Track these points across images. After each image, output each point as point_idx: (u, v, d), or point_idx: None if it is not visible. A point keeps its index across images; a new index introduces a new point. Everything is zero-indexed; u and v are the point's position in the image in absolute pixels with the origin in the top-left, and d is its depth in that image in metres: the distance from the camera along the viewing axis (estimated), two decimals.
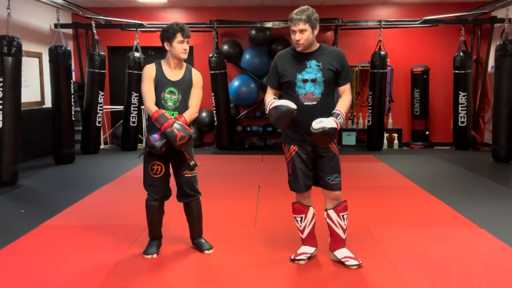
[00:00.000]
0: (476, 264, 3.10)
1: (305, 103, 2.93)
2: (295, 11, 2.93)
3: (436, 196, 4.82)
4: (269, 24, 8.13)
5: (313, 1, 8.36)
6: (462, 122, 7.97)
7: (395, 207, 4.52)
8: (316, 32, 2.95)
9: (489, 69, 8.09)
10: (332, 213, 3.08)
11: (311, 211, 3.12)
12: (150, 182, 3.19)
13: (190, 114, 3.14)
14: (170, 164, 3.22)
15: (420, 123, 8.55)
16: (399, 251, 3.33)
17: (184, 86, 3.15)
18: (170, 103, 3.10)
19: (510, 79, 6.67)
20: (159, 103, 3.09)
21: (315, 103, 2.93)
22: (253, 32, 8.35)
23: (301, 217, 3.12)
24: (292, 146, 3.01)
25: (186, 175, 3.20)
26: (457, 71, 7.92)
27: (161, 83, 3.10)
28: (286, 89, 3.01)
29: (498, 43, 6.89)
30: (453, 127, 8.19)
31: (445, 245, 3.46)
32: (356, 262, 3.06)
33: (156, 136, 2.97)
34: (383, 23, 7.86)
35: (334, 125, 2.78)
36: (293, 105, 2.85)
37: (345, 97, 2.99)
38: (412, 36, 8.64)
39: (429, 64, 8.42)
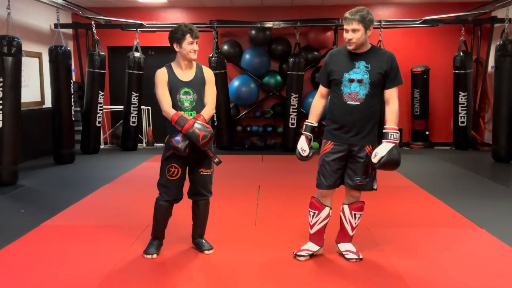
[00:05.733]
0: (476, 264, 3.10)
1: (348, 102, 2.95)
2: (350, 10, 2.91)
3: (436, 196, 4.82)
4: (269, 24, 8.13)
5: (313, 1, 8.39)
6: (462, 122, 7.97)
7: (395, 207, 4.52)
8: (369, 33, 2.93)
9: (489, 69, 8.09)
10: (346, 208, 3.15)
11: (326, 211, 3.12)
12: (164, 183, 3.18)
13: (208, 111, 3.15)
14: (187, 166, 3.20)
15: (420, 123, 8.54)
16: (399, 251, 3.33)
17: (198, 85, 3.16)
18: (186, 104, 3.11)
19: (510, 79, 6.68)
20: (175, 105, 3.08)
21: (358, 103, 2.93)
22: (253, 32, 8.35)
23: (314, 213, 3.14)
24: (330, 142, 3.04)
25: (202, 173, 3.22)
26: (457, 71, 7.92)
27: (175, 85, 3.10)
28: (333, 86, 3.04)
29: (498, 43, 6.89)
30: (453, 127, 8.19)
31: (445, 245, 3.46)
32: (355, 256, 3.13)
33: (178, 138, 2.97)
34: (383, 23, 7.88)
35: (389, 149, 2.85)
36: (302, 151, 3.07)
37: (392, 106, 2.96)
38: (412, 36, 8.64)
39: (429, 64, 8.41)
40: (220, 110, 8.06)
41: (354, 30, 2.87)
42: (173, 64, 3.18)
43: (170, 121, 3.04)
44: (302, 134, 3.14)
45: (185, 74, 3.14)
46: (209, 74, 3.23)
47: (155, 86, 3.13)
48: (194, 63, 3.22)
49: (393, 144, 2.88)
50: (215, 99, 3.25)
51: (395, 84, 2.97)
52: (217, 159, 3.13)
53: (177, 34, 3.07)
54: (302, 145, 3.09)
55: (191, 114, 3.08)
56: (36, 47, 7.41)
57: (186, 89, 3.11)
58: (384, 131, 2.93)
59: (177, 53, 3.14)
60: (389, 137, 2.89)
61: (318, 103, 3.14)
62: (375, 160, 2.89)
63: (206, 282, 2.95)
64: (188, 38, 3.06)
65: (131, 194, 5.03)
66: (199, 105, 3.14)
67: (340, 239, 3.23)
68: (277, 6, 8.59)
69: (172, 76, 3.11)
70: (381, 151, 2.87)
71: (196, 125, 2.96)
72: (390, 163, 2.87)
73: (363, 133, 2.97)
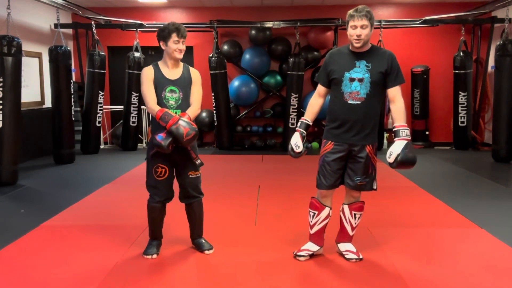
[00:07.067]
0: (476, 264, 3.10)
1: (349, 102, 2.94)
2: (355, 8, 2.90)
3: (436, 196, 4.82)
4: (269, 24, 8.13)
5: (313, 1, 8.38)
6: (462, 122, 7.97)
7: (395, 207, 4.52)
8: (372, 31, 2.93)
9: (489, 69, 8.09)
10: (346, 208, 3.15)
11: (326, 211, 3.12)
12: (153, 184, 3.18)
13: (193, 110, 3.14)
14: (174, 166, 3.20)
15: (420, 123, 8.55)
16: (399, 251, 3.33)
17: (184, 84, 3.15)
18: (172, 102, 3.10)
19: (510, 79, 6.68)
20: (161, 102, 3.08)
21: (359, 102, 2.93)
22: (253, 32, 8.35)
23: (314, 213, 3.13)
24: (330, 142, 3.03)
25: (191, 175, 3.19)
26: (457, 71, 7.92)
27: (160, 83, 3.10)
28: (333, 86, 3.03)
29: (498, 43, 6.89)
30: (453, 127, 8.19)
31: (445, 245, 3.46)
32: (355, 257, 3.13)
33: (161, 135, 2.95)
34: (383, 23, 7.87)
35: (403, 146, 2.81)
36: (296, 147, 3.04)
37: (397, 104, 2.95)
38: (412, 36, 8.64)
39: (429, 64, 8.42)
40: (220, 110, 8.07)
41: (363, 26, 2.86)
42: (160, 63, 3.18)
43: (154, 118, 3.03)
44: (296, 130, 3.12)
45: (172, 73, 3.14)
46: (195, 75, 3.23)
47: (141, 84, 3.13)
48: (181, 63, 3.21)
49: (406, 141, 2.84)
50: (201, 100, 3.24)
51: (398, 83, 2.96)
52: (199, 161, 3.11)
53: (164, 32, 3.08)
54: (296, 141, 3.06)
55: (176, 113, 3.07)
56: (36, 47, 7.41)
57: (172, 87, 3.11)
58: (394, 129, 2.90)
59: (163, 52, 3.14)
60: (401, 134, 2.86)
61: (315, 102, 3.12)
62: (391, 159, 2.83)
63: (206, 282, 2.95)
64: (174, 37, 3.05)
65: (131, 194, 5.03)
66: (184, 104, 3.13)
67: (340, 239, 3.23)
68: (277, 6, 8.59)
69: (158, 74, 3.11)
70: (395, 150, 2.82)
71: (180, 121, 2.94)
72: (406, 161, 2.81)
73: (364, 133, 2.96)
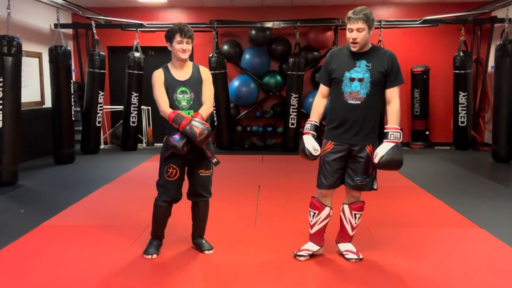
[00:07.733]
0: (476, 264, 3.10)
1: (349, 101, 2.94)
2: (353, 10, 2.91)
3: (436, 196, 4.82)
4: (269, 24, 8.13)
5: (313, 1, 8.39)
6: (462, 122, 7.97)
7: (395, 207, 4.52)
8: (371, 33, 2.92)
9: (489, 69, 8.09)
10: (346, 208, 3.15)
11: (326, 211, 3.12)
12: (163, 184, 3.19)
13: (206, 109, 3.14)
14: (186, 166, 3.20)
15: (420, 123, 8.54)
16: (399, 251, 3.33)
17: (194, 84, 3.16)
18: (184, 103, 3.11)
19: (510, 79, 6.68)
20: (173, 104, 3.08)
21: (359, 102, 2.93)
22: (253, 32, 8.35)
23: (315, 213, 3.13)
24: (330, 141, 3.03)
25: (201, 174, 3.21)
26: (457, 71, 7.93)
27: (171, 85, 3.10)
28: (333, 85, 3.03)
29: (498, 43, 6.90)
30: (453, 127, 8.19)
31: (445, 245, 3.46)
32: (355, 257, 3.13)
33: (176, 136, 2.96)
34: (383, 23, 7.87)
35: (389, 148, 2.85)
36: (314, 150, 2.99)
37: (393, 106, 2.96)
38: (412, 36, 8.64)
39: (429, 64, 8.41)
40: (220, 110, 8.07)
41: (359, 29, 2.86)
42: (169, 65, 3.19)
43: (167, 121, 3.04)
44: (306, 133, 3.08)
45: (181, 74, 3.15)
46: (206, 73, 3.23)
47: (152, 87, 3.14)
48: (191, 63, 3.22)
49: (393, 144, 2.87)
50: (213, 98, 3.25)
51: (396, 84, 2.96)
52: (215, 160, 3.13)
53: (168, 33, 3.11)
54: (313, 144, 3.03)
55: (188, 113, 3.08)
56: (36, 47, 7.41)
57: (183, 88, 3.11)
58: (385, 130, 2.93)
59: (171, 53, 3.15)
60: (389, 136, 2.90)
61: (319, 102, 3.13)
62: (375, 160, 2.90)
63: (206, 282, 2.95)
64: (177, 37, 3.06)
65: (131, 194, 5.03)
66: (196, 104, 3.14)
67: (340, 239, 3.24)
68: (277, 6, 8.59)
69: (168, 76, 3.12)
70: (381, 151, 2.87)
71: (193, 122, 2.96)
72: (390, 163, 2.86)
73: (364, 133, 2.96)
